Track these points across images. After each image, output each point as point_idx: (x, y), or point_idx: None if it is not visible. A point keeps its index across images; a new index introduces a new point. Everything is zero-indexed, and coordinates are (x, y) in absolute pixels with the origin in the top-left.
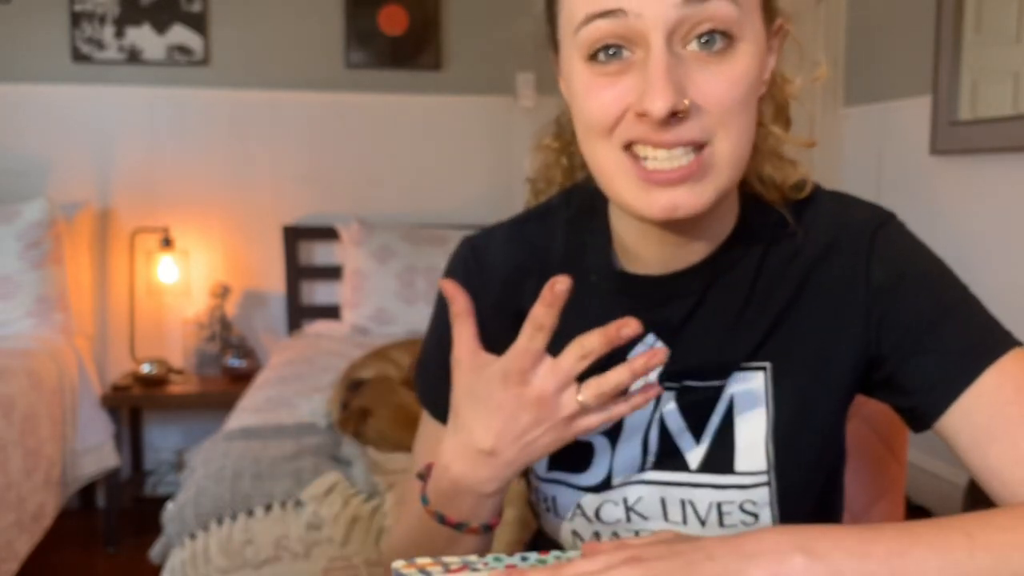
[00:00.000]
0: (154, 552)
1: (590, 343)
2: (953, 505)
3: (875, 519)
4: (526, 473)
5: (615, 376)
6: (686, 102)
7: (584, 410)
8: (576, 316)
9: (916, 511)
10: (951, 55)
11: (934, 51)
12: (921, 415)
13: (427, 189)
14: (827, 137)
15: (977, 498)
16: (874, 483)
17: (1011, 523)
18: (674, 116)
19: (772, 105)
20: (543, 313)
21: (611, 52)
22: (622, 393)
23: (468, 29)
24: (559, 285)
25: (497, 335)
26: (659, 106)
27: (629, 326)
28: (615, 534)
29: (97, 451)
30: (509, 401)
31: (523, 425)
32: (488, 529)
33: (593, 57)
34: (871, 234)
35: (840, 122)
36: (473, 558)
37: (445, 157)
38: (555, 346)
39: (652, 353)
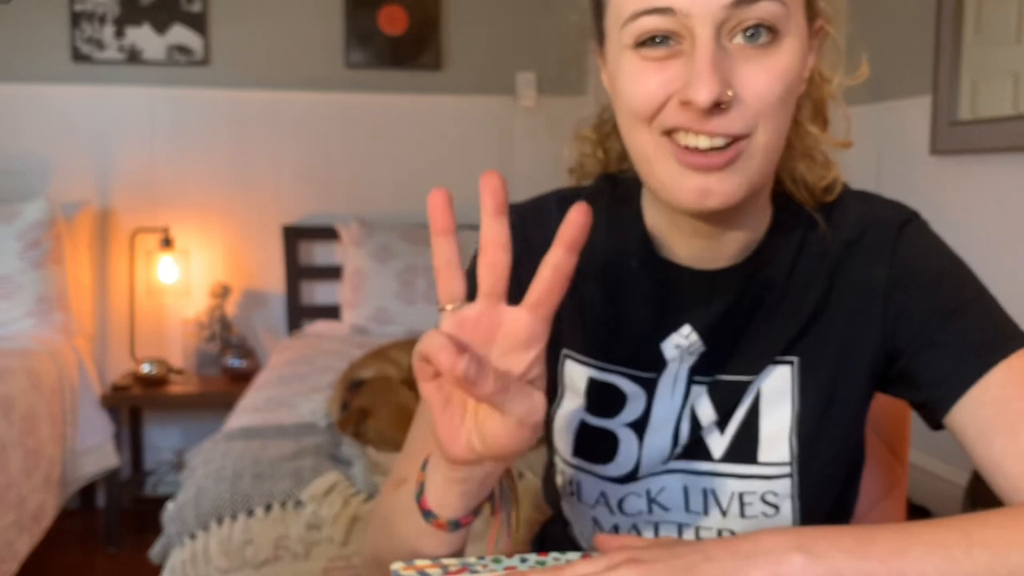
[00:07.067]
0: (154, 552)
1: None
2: (953, 505)
3: (878, 519)
4: (552, 455)
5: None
6: (729, 93)
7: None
8: (617, 299)
9: (917, 511)
10: (951, 55)
11: (934, 51)
12: (932, 409)
13: (427, 189)
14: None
15: (977, 498)
16: (876, 484)
17: (1008, 522)
18: (717, 107)
19: (810, 104)
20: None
21: (658, 40)
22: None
23: (468, 29)
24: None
25: None
26: (704, 95)
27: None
28: (635, 526)
29: (97, 451)
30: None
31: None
32: (456, 527)
33: (641, 44)
34: (894, 232)
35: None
36: (472, 560)
37: (445, 157)
38: (593, 334)
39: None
